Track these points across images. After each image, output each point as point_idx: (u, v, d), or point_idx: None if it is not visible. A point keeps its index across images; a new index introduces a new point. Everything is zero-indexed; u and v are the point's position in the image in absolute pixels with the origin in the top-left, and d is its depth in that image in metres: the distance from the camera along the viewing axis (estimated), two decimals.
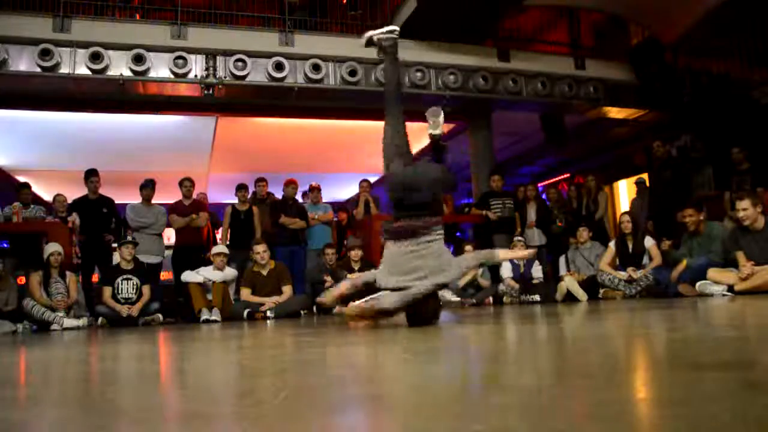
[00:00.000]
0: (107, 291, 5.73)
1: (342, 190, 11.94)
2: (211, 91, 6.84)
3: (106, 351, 2.98)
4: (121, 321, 5.54)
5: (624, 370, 1.45)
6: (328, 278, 6.33)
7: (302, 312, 6.02)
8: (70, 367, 2.33)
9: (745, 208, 4.90)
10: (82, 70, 6.44)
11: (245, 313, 5.75)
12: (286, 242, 6.88)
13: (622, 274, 5.95)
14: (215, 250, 6.10)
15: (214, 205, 8.65)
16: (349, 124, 8.96)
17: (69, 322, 5.36)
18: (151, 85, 6.90)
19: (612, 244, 6.32)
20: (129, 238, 6.24)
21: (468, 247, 6.61)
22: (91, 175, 6.74)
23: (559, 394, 1.13)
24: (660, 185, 7.21)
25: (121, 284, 5.80)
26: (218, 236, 7.61)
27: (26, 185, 7.01)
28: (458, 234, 8.01)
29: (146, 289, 5.85)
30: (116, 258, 6.35)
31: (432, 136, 3.62)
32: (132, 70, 6.55)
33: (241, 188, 7.13)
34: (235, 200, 7.16)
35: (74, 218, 6.39)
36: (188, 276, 5.91)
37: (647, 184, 7.97)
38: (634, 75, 8.58)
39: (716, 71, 8.18)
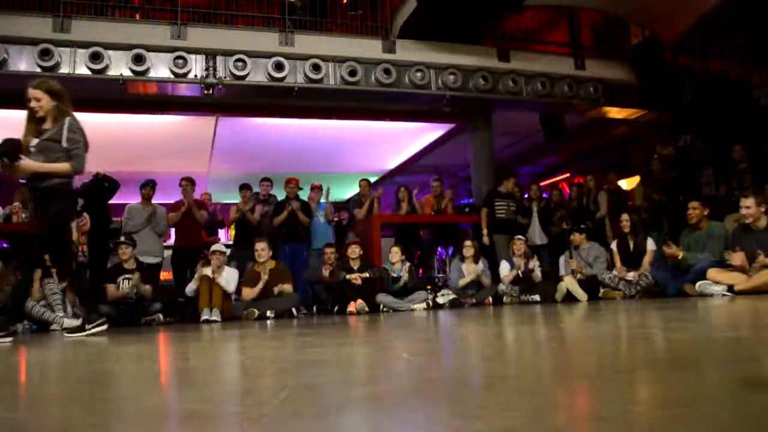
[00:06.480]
0: (111, 288, 5.70)
1: (342, 190, 11.94)
2: (211, 91, 6.84)
3: (107, 351, 2.98)
4: (122, 321, 5.53)
5: (624, 370, 1.45)
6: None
7: (294, 311, 5.95)
8: (70, 366, 2.33)
9: (749, 206, 4.91)
10: (82, 70, 6.43)
11: (245, 313, 5.73)
12: (288, 240, 6.89)
13: (631, 275, 5.95)
14: (213, 248, 6.05)
15: (214, 204, 8.63)
16: (349, 124, 8.95)
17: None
18: (151, 85, 6.89)
19: (614, 246, 6.32)
20: (122, 238, 6.11)
21: (467, 242, 6.62)
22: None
23: (559, 394, 1.13)
24: (664, 185, 7.20)
25: (122, 283, 5.77)
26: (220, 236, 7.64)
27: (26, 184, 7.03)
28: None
29: (148, 287, 5.83)
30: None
31: None
32: (132, 70, 6.54)
33: (243, 188, 7.18)
34: (238, 200, 7.19)
35: (85, 219, 6.40)
36: (190, 289, 5.91)
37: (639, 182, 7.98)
38: (634, 75, 8.58)
39: (716, 71, 8.17)
